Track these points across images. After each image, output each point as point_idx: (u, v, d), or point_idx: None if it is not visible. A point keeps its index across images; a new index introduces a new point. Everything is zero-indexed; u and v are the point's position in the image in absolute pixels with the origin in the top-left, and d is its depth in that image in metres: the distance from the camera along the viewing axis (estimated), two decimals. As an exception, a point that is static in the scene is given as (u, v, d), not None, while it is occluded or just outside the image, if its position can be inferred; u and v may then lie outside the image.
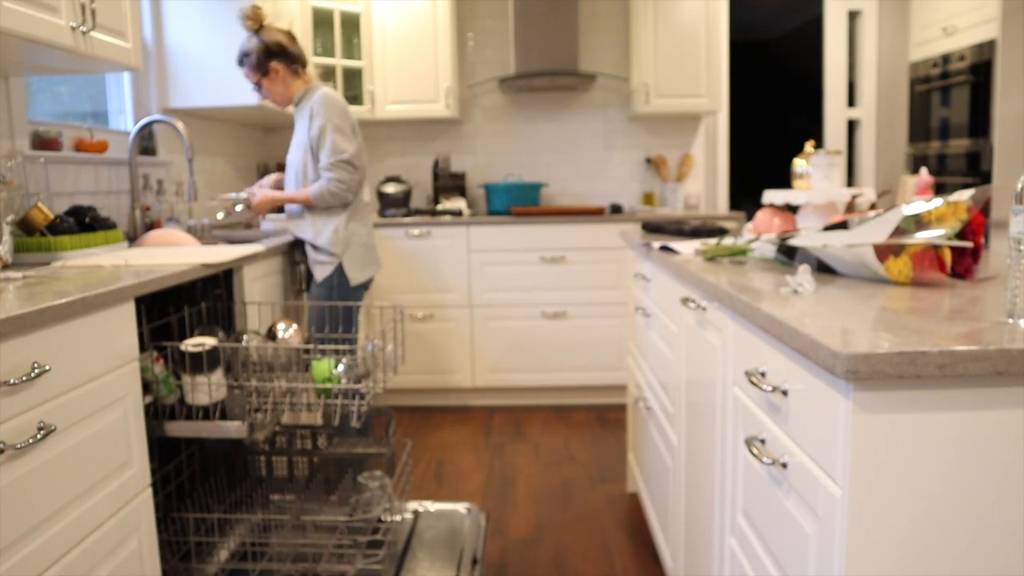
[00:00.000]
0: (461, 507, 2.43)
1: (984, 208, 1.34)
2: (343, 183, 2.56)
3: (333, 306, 2.60)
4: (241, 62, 2.63)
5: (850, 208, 2.04)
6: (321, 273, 2.63)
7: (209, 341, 1.79)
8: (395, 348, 2.12)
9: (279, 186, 2.87)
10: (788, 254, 1.60)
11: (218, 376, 1.82)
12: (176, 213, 2.96)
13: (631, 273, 2.77)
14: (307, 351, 2.03)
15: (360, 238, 2.68)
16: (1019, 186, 0.96)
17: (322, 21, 3.88)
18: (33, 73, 2.31)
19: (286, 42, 2.62)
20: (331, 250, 2.62)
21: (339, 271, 2.63)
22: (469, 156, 4.55)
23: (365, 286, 2.73)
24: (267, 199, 2.70)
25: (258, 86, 2.64)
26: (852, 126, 4.92)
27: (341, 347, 2.21)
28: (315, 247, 2.65)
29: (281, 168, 4.33)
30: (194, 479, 2.15)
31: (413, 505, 2.43)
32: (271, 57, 2.60)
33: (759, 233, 2.08)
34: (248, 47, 2.61)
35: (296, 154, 2.67)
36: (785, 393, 1.12)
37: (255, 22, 2.61)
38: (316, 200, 2.59)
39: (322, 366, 1.88)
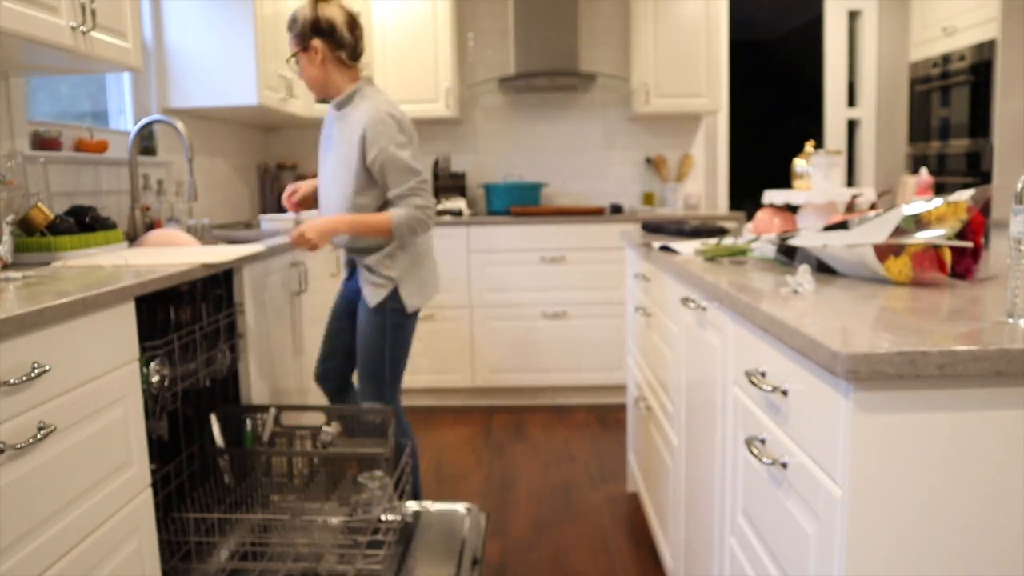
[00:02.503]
0: (461, 507, 2.43)
1: (984, 208, 1.34)
2: (429, 207, 2.21)
3: (388, 336, 2.34)
4: (288, 27, 2.27)
5: (850, 208, 2.04)
6: (374, 298, 2.30)
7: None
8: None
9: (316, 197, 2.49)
10: (788, 254, 1.60)
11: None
12: (176, 213, 2.96)
13: (631, 273, 2.77)
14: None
15: (419, 258, 2.35)
16: (1019, 186, 0.96)
17: (322, 21, 3.88)
18: (33, 73, 2.31)
19: (340, 23, 2.23)
20: (387, 273, 2.29)
21: (394, 296, 2.30)
22: (469, 156, 4.55)
23: (419, 311, 2.41)
24: (327, 229, 2.21)
25: (295, 59, 2.28)
26: (852, 126, 4.92)
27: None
28: (368, 267, 2.31)
29: (281, 167, 4.33)
30: (194, 479, 2.15)
31: (413, 505, 2.43)
32: (316, 33, 2.22)
33: (759, 233, 2.08)
34: (298, 13, 2.24)
35: (340, 175, 2.27)
36: (785, 393, 1.12)
37: None
38: (398, 230, 2.19)
39: None
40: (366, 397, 2.42)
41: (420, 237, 2.35)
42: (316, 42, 2.21)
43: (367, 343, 2.37)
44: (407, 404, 4.11)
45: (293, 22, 2.24)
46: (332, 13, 2.23)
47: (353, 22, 2.26)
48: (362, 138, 2.20)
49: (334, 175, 2.29)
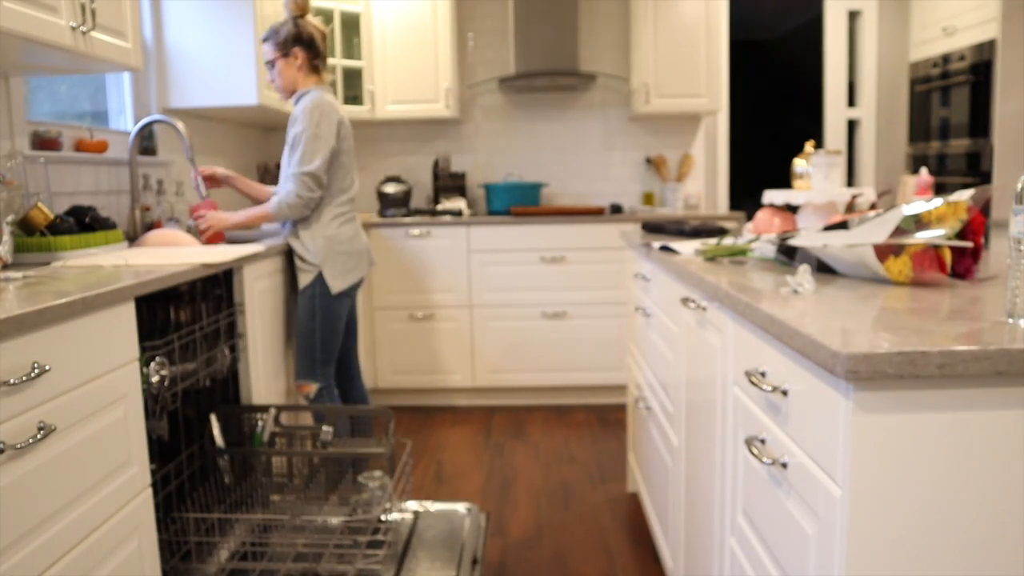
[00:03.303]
0: (461, 507, 2.43)
1: (984, 208, 1.34)
2: (301, 198, 2.48)
3: (317, 317, 2.57)
4: (267, 37, 2.58)
5: (850, 208, 2.04)
6: (302, 281, 2.57)
7: None
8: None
9: (232, 183, 2.81)
10: (788, 254, 1.60)
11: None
12: (176, 213, 2.96)
13: (631, 273, 2.77)
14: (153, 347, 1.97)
15: (342, 245, 2.58)
16: (1019, 186, 0.96)
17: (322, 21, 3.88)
18: (33, 73, 2.31)
19: (318, 37, 2.61)
20: (311, 260, 2.55)
21: (319, 280, 2.55)
22: (469, 156, 4.55)
23: (349, 292, 2.63)
24: (222, 223, 2.59)
25: (271, 65, 2.59)
26: (852, 126, 4.92)
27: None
28: (298, 255, 2.58)
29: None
30: (194, 479, 2.16)
31: (413, 505, 2.43)
32: (298, 43, 2.57)
33: (759, 233, 2.08)
34: (280, 25, 2.58)
35: (285, 154, 2.60)
36: (785, 393, 1.12)
37: (299, 9, 2.59)
38: (275, 215, 2.52)
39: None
40: (298, 376, 2.63)
41: (345, 228, 2.61)
42: (297, 49, 2.56)
43: (299, 324, 2.61)
44: (406, 404, 4.11)
45: (275, 32, 2.57)
46: (311, 29, 2.59)
47: (324, 37, 2.64)
48: (293, 119, 2.52)
49: (284, 156, 2.61)
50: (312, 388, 2.60)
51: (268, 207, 2.54)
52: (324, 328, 2.58)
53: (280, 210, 2.51)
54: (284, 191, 2.51)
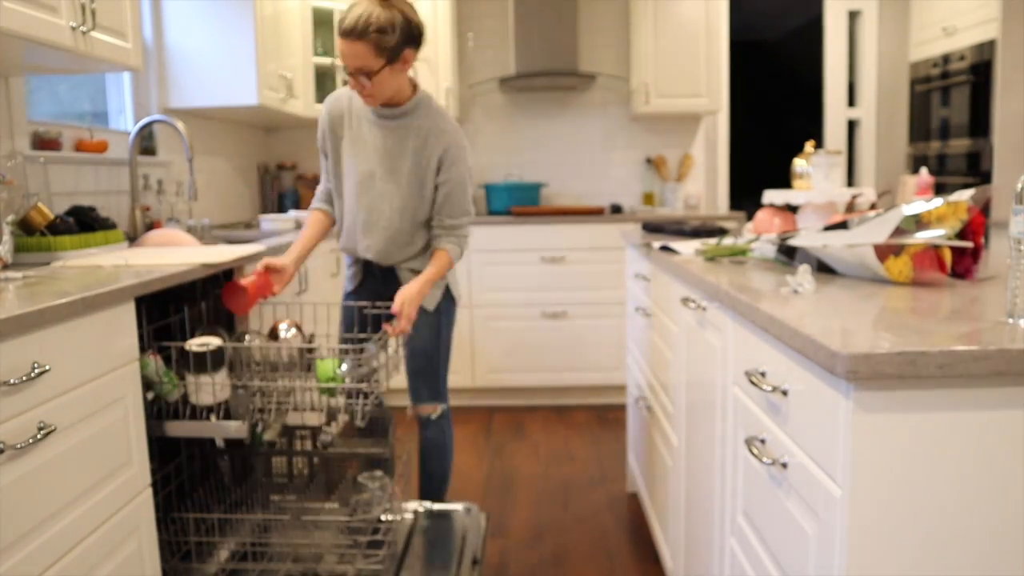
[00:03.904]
0: (461, 507, 2.43)
1: (984, 208, 1.34)
2: (467, 238, 2.25)
3: (443, 333, 2.33)
4: (362, 33, 1.88)
5: (850, 208, 2.04)
6: (432, 300, 2.27)
7: (213, 341, 1.79)
8: (396, 347, 2.12)
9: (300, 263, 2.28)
10: (788, 254, 1.60)
11: (222, 376, 1.82)
12: (176, 213, 2.96)
13: (631, 273, 2.77)
14: (310, 351, 1.99)
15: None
16: (1019, 186, 0.96)
17: (322, 21, 3.88)
18: (33, 73, 2.31)
19: (424, 26, 2.01)
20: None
21: (447, 294, 2.31)
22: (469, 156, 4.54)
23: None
24: (420, 294, 2.08)
25: (367, 75, 1.93)
26: (852, 126, 4.92)
27: (345, 347, 1.96)
28: (418, 272, 2.24)
29: (281, 168, 4.33)
30: (194, 479, 2.15)
31: (413, 505, 2.43)
32: (411, 41, 1.96)
33: (759, 233, 2.08)
34: (385, 18, 1.89)
35: (411, 192, 2.13)
36: (785, 393, 1.12)
37: None
38: (456, 261, 2.22)
39: (326, 366, 1.87)
40: (421, 400, 2.36)
41: None
42: (409, 52, 1.98)
43: (423, 347, 2.29)
44: (406, 404, 4.10)
45: (381, 31, 1.89)
46: (418, 17, 1.99)
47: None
48: (441, 157, 2.10)
49: (404, 192, 2.14)
50: (439, 408, 2.37)
51: (451, 258, 2.19)
52: (448, 343, 2.36)
53: (457, 256, 2.22)
54: (462, 236, 2.21)
